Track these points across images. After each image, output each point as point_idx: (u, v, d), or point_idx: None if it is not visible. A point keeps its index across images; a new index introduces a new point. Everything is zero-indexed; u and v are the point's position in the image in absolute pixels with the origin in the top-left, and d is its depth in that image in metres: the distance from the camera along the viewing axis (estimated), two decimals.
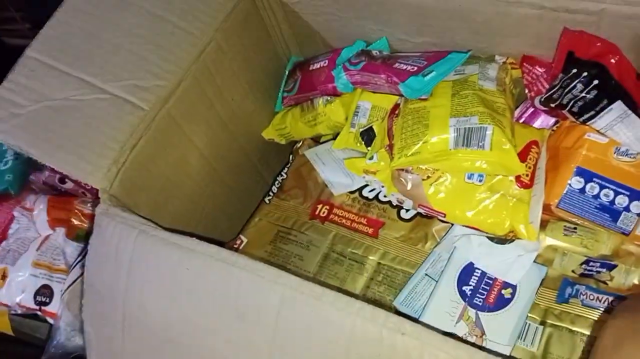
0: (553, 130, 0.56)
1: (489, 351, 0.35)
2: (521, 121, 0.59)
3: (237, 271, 0.43)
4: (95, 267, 0.52)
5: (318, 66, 0.65)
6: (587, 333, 0.48)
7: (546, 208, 0.52)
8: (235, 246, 0.65)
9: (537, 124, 0.58)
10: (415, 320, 0.52)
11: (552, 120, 0.57)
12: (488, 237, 0.53)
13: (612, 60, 0.46)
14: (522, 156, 0.52)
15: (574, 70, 0.47)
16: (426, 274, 0.54)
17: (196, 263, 0.45)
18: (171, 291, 0.47)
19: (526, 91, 0.57)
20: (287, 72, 0.71)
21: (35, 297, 0.71)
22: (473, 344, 0.45)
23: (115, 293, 0.50)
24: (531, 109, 0.58)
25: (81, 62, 0.57)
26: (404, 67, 0.55)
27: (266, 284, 0.42)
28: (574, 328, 0.49)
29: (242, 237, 0.66)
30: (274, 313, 0.42)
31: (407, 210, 0.59)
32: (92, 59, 0.57)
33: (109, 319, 0.51)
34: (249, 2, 0.62)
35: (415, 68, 0.54)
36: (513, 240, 0.52)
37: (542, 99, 0.51)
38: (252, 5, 0.63)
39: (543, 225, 0.53)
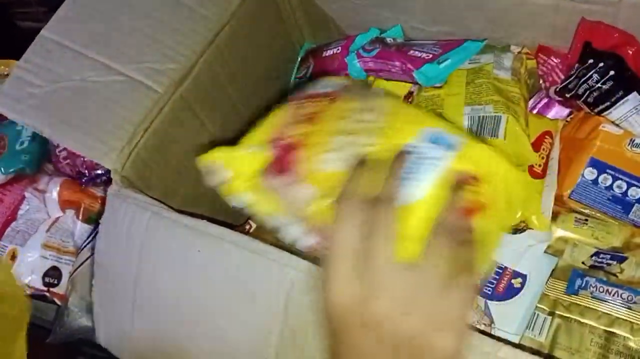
0: (567, 121, 0.56)
1: (498, 339, 0.36)
2: (535, 111, 0.58)
3: (248, 254, 0.43)
4: (106, 248, 0.53)
5: (331, 53, 0.64)
6: (596, 325, 0.48)
7: (558, 199, 0.52)
8: (245, 231, 0.65)
9: (551, 114, 0.58)
10: None
11: (566, 111, 0.57)
12: None
13: (630, 51, 0.46)
14: (536, 146, 0.52)
15: (590, 61, 0.46)
16: None
17: (208, 245, 0.45)
18: (183, 272, 0.47)
19: (541, 82, 0.57)
20: (299, 59, 0.71)
21: (43, 279, 0.72)
22: (482, 332, 0.45)
23: (126, 273, 0.51)
24: (545, 100, 0.58)
25: (97, 44, 0.57)
26: (419, 54, 0.54)
27: (276, 268, 0.42)
28: (582, 320, 0.49)
29: (251, 222, 0.66)
30: (284, 296, 0.42)
31: None
32: (108, 41, 0.57)
33: (119, 300, 0.52)
34: None
35: (431, 56, 0.53)
36: (524, 230, 0.52)
37: (558, 89, 0.51)
38: None
39: (554, 216, 0.53)
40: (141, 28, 0.58)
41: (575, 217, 0.53)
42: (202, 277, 0.46)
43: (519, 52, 0.57)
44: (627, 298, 0.48)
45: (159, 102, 0.53)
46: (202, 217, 0.47)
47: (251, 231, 0.65)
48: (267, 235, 0.63)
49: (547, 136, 0.53)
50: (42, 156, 0.77)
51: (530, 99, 0.59)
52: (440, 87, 0.53)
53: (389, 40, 0.60)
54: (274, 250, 0.43)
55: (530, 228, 0.51)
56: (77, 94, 0.54)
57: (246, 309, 0.44)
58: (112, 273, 0.53)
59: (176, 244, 0.47)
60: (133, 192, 0.50)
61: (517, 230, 0.52)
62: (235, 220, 0.68)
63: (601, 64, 0.46)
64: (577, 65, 0.48)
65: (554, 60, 0.55)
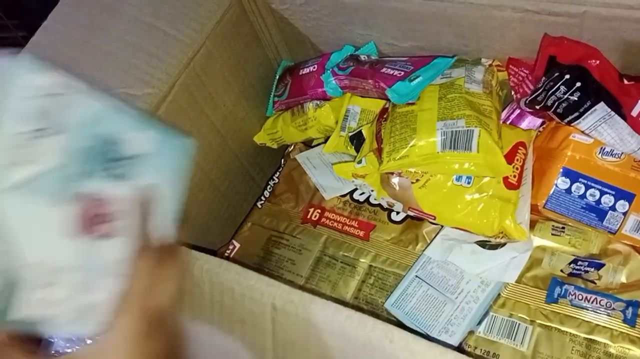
0: (539, 131, 0.56)
1: None
2: (508, 122, 0.59)
3: (227, 283, 0.43)
4: None
5: (308, 71, 0.65)
6: (576, 332, 0.49)
7: (534, 208, 0.52)
8: (228, 251, 0.66)
9: (524, 125, 0.58)
10: (404, 326, 0.53)
11: (539, 121, 0.58)
12: (480, 244, 0.53)
13: (594, 64, 0.47)
14: (509, 157, 0.53)
15: (556, 73, 0.47)
16: (416, 276, 0.54)
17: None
18: None
19: (512, 93, 0.58)
20: (277, 77, 0.71)
21: None
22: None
23: None
24: (518, 111, 0.59)
25: (71, 71, 0.57)
26: (391, 72, 0.55)
27: (257, 295, 0.42)
28: (563, 328, 0.49)
29: (235, 242, 0.66)
30: (269, 319, 0.43)
31: (398, 212, 0.60)
32: (82, 67, 0.57)
33: None
34: (238, 8, 0.63)
35: (402, 73, 0.54)
36: (505, 244, 0.52)
37: (527, 101, 0.52)
38: (241, 12, 0.64)
39: (532, 225, 0.53)
40: (116, 53, 0.58)
41: (553, 226, 0.54)
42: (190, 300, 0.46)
43: (490, 65, 0.57)
44: (606, 305, 0.49)
45: None
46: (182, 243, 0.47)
47: (234, 252, 0.65)
48: (250, 256, 0.64)
49: (520, 147, 0.54)
50: None
51: (503, 109, 0.60)
52: (413, 104, 0.54)
53: (362, 57, 0.61)
54: (254, 276, 0.43)
55: (509, 239, 0.52)
56: None
57: (239, 329, 0.44)
58: None
59: None
60: None
61: (497, 245, 0.53)
62: (218, 242, 0.69)
63: (567, 76, 0.47)
64: (543, 78, 0.49)
65: (524, 71, 0.56)
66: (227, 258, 0.65)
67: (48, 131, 0.30)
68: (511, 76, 0.57)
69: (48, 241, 0.30)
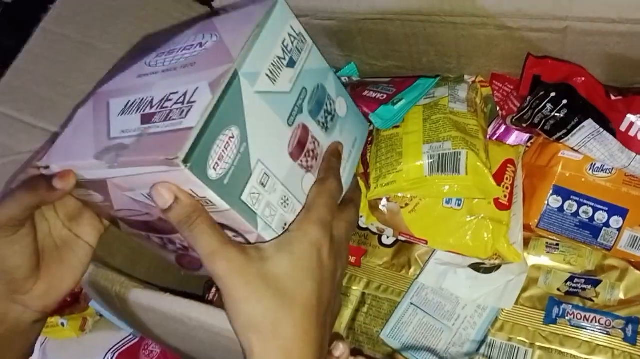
0: (528, 146, 0.55)
1: None
2: (494, 137, 0.58)
3: (213, 334, 0.42)
4: None
5: None
6: (577, 354, 0.48)
7: (527, 227, 0.51)
8: (211, 294, 0.64)
9: (510, 140, 0.58)
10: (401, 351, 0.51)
11: (526, 136, 0.57)
12: (474, 267, 0.52)
13: (579, 81, 0.46)
14: (499, 176, 0.52)
15: (542, 92, 0.46)
16: (411, 304, 0.53)
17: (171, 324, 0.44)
18: None
19: (498, 109, 0.57)
20: None
21: None
22: None
23: None
24: (504, 126, 0.58)
25: (46, 112, 0.55)
26: (374, 95, 0.54)
27: None
28: (563, 349, 0.48)
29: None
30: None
31: (388, 236, 0.58)
32: (57, 108, 0.55)
33: None
34: None
35: (385, 96, 0.53)
36: (499, 266, 0.51)
37: (514, 120, 0.51)
38: None
39: (525, 242, 0.52)
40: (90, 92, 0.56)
41: (547, 243, 0.53)
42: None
43: (473, 82, 0.56)
44: (606, 323, 0.48)
45: None
46: (166, 289, 0.45)
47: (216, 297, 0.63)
48: None
49: (509, 164, 0.53)
50: None
51: (489, 124, 0.59)
52: (398, 126, 0.53)
53: (343, 79, 0.60)
54: None
55: (504, 261, 0.50)
56: None
57: None
58: None
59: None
60: (95, 266, 0.49)
61: (492, 268, 0.51)
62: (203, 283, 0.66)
63: (553, 94, 0.46)
64: (529, 97, 0.48)
65: (509, 87, 0.55)
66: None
67: (291, 63, 0.38)
68: (495, 92, 0.56)
69: (278, 151, 0.36)
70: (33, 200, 0.37)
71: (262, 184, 0.35)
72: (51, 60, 0.59)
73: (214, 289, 0.63)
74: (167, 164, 0.30)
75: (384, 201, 0.52)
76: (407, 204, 0.52)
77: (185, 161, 0.30)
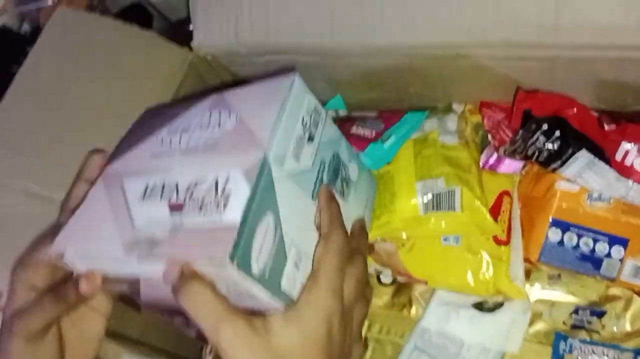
0: (522, 174, 0.54)
1: None
2: (487, 166, 0.57)
3: None
4: None
5: None
6: None
7: (527, 260, 0.50)
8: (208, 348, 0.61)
9: (504, 168, 0.56)
10: None
11: (520, 164, 0.55)
12: (477, 307, 0.51)
13: (571, 113, 0.45)
14: (495, 209, 0.50)
15: (534, 125, 0.45)
16: (416, 347, 0.51)
17: None
18: None
19: (489, 137, 0.55)
20: None
21: None
22: None
23: None
24: (496, 155, 0.56)
25: (27, 156, 0.53)
26: (362, 132, 0.53)
27: None
28: None
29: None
30: None
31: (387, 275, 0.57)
32: (38, 154, 0.54)
33: None
34: (195, 78, 0.60)
35: (374, 133, 0.52)
36: (502, 303, 0.50)
37: (506, 152, 0.50)
38: (199, 80, 0.61)
39: (526, 274, 0.51)
40: (69, 135, 0.54)
41: (549, 274, 0.52)
42: None
43: (462, 111, 0.55)
44: (614, 357, 0.47)
45: None
46: (162, 350, 0.44)
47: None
48: None
49: (505, 196, 0.51)
50: None
51: (481, 152, 0.58)
52: (389, 163, 0.51)
53: (331, 113, 0.58)
54: None
55: (506, 298, 0.49)
56: (6, 221, 0.50)
57: None
58: None
59: None
60: None
61: (495, 305, 0.50)
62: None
63: (545, 126, 0.45)
64: (520, 131, 0.47)
65: (499, 114, 0.54)
66: None
67: (310, 138, 0.37)
68: (485, 119, 0.55)
69: (306, 227, 0.36)
70: (62, 310, 0.36)
71: (296, 266, 0.34)
72: (33, 102, 0.57)
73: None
74: (211, 263, 0.29)
75: (380, 242, 0.51)
76: (403, 244, 0.51)
77: (231, 259, 0.28)
